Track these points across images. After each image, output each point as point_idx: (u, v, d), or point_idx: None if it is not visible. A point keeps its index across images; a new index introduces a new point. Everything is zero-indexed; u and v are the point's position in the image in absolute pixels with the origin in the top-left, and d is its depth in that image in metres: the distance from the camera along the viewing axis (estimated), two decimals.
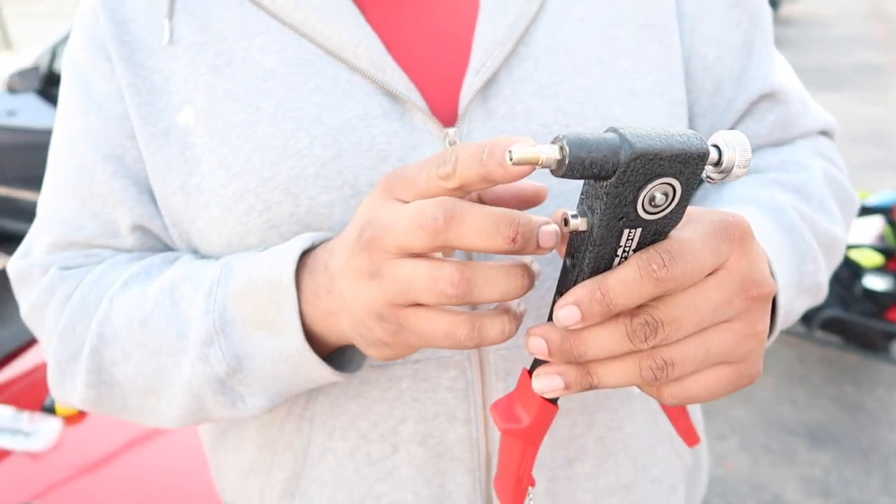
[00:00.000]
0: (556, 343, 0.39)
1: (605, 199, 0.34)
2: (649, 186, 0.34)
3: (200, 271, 0.54)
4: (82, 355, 0.56)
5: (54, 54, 3.69)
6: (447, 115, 0.54)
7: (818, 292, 0.60)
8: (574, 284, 0.38)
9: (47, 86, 3.69)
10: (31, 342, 1.76)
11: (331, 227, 0.53)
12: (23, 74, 3.69)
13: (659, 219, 0.36)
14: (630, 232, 0.36)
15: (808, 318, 2.78)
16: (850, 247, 2.74)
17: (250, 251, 0.54)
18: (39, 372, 1.65)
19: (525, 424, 0.42)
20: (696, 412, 0.73)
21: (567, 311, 0.37)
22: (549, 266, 0.55)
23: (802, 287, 0.57)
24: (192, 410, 0.55)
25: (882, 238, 2.79)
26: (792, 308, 0.56)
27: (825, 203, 0.62)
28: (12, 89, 3.71)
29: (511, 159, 0.33)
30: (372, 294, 0.42)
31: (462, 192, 0.40)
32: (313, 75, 0.54)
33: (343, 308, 0.45)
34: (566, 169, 0.33)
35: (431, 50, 0.56)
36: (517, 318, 0.42)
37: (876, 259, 2.70)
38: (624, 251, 0.37)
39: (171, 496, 1.34)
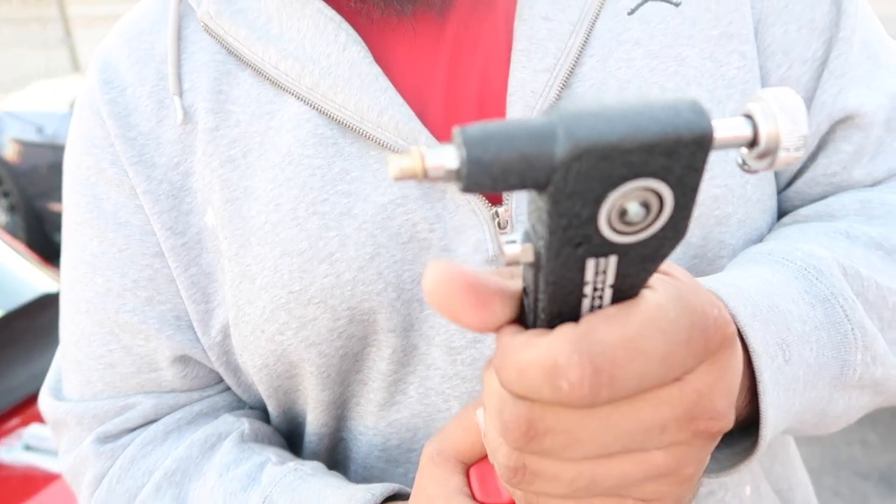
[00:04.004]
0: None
1: (546, 217, 0.24)
2: (613, 195, 0.23)
3: None
4: None
5: None
6: None
7: (885, 391, 0.45)
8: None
9: None
10: None
11: (375, 334, 0.47)
12: None
13: (641, 240, 0.25)
14: (599, 262, 0.25)
15: None
16: None
17: (292, 486, 0.48)
18: None
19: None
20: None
21: None
22: None
23: (845, 382, 0.42)
24: None
25: None
26: (830, 408, 0.43)
27: None
28: None
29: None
30: None
31: None
32: (337, 156, 0.46)
33: None
34: (466, 180, 0.22)
35: (468, 108, 0.48)
36: None
37: None
38: (595, 288, 0.26)
39: None
